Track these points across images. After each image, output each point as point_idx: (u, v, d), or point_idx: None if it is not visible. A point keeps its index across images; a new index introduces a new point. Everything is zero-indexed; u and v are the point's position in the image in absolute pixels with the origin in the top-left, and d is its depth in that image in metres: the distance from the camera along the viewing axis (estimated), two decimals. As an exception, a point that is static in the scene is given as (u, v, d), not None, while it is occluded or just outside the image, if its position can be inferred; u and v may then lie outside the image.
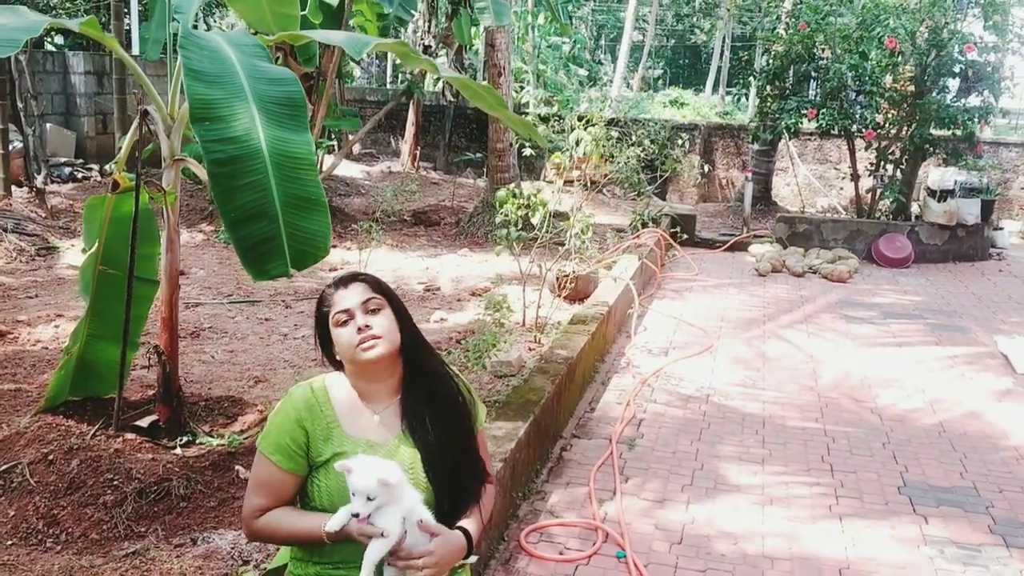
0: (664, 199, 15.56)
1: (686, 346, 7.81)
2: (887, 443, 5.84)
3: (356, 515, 2.40)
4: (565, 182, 7.84)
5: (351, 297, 2.58)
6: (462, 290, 8.66)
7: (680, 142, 8.10)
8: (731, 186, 16.50)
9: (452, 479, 2.64)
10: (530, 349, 6.37)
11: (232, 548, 3.57)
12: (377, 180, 15.51)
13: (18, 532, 3.71)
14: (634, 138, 7.62)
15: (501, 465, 4.25)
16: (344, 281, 2.62)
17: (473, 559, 2.68)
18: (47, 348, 6.19)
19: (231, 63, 3.39)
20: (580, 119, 6.83)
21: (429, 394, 2.71)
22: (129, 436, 4.34)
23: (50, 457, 4.02)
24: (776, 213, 14.14)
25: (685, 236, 11.95)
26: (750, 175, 13.40)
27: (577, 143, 6.87)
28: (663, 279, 10.36)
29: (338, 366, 2.68)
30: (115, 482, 3.90)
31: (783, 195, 16.07)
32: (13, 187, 11.44)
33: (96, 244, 4.47)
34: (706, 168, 9.70)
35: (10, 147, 11.42)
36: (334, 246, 10.44)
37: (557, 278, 7.88)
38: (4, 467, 4.05)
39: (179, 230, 4.28)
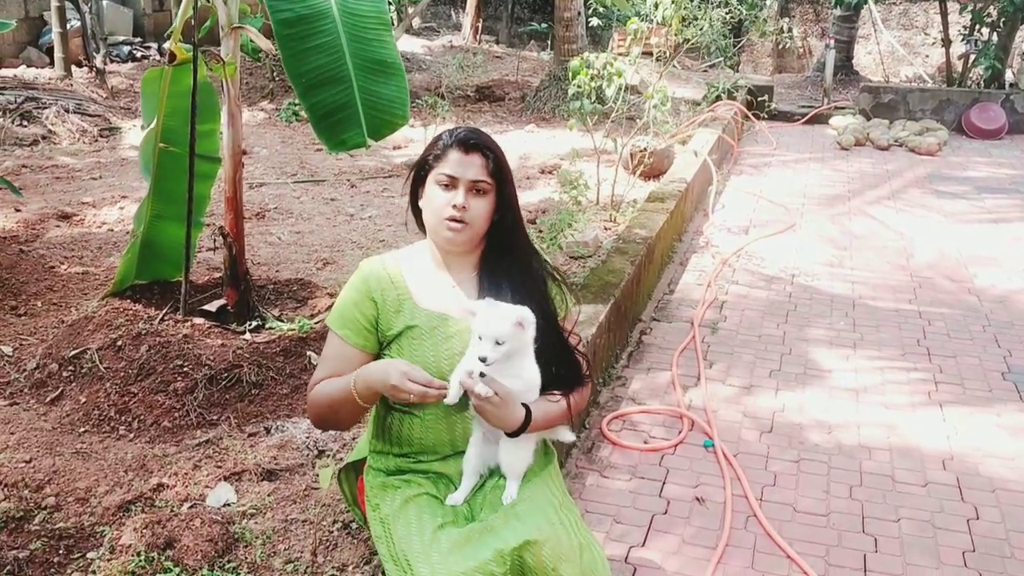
0: (736, 70, 14.86)
1: (767, 224, 7.44)
2: (987, 326, 5.49)
3: (484, 359, 2.21)
4: (642, 52, 7.37)
5: (465, 167, 2.35)
6: (530, 167, 8.34)
7: (767, 3, 7.54)
8: (808, 55, 15.69)
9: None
10: (606, 228, 6.08)
11: (307, 437, 3.44)
12: (439, 55, 15.02)
13: (90, 419, 3.62)
14: (719, -1, 7.08)
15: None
16: (468, 144, 2.36)
17: (571, 437, 2.52)
18: (112, 230, 6.08)
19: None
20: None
21: (512, 277, 2.49)
22: (198, 321, 4.20)
23: (119, 343, 3.91)
24: (858, 83, 13.43)
25: (764, 108, 11.36)
26: (831, 42, 12.65)
27: (656, 6, 6.39)
28: (740, 154, 9.89)
29: (417, 215, 2.49)
30: (185, 368, 3.78)
31: (864, 64, 15.23)
32: (73, 67, 11.28)
33: (155, 120, 4.24)
34: (795, 32, 9.06)
35: (68, 26, 11.19)
36: (398, 123, 10.19)
37: (632, 154, 7.50)
38: (74, 352, 3.95)
39: (240, 104, 4.02)
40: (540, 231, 5.45)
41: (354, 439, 3.42)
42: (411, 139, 9.13)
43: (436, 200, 2.37)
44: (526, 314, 2.25)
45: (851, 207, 8.02)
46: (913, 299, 5.90)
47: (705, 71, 14.31)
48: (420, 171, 2.45)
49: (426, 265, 2.52)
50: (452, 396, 2.26)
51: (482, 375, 2.24)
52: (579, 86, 6.47)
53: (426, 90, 11.89)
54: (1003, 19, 11.34)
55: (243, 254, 4.23)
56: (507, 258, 2.51)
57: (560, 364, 2.52)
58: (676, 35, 6.78)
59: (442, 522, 2.33)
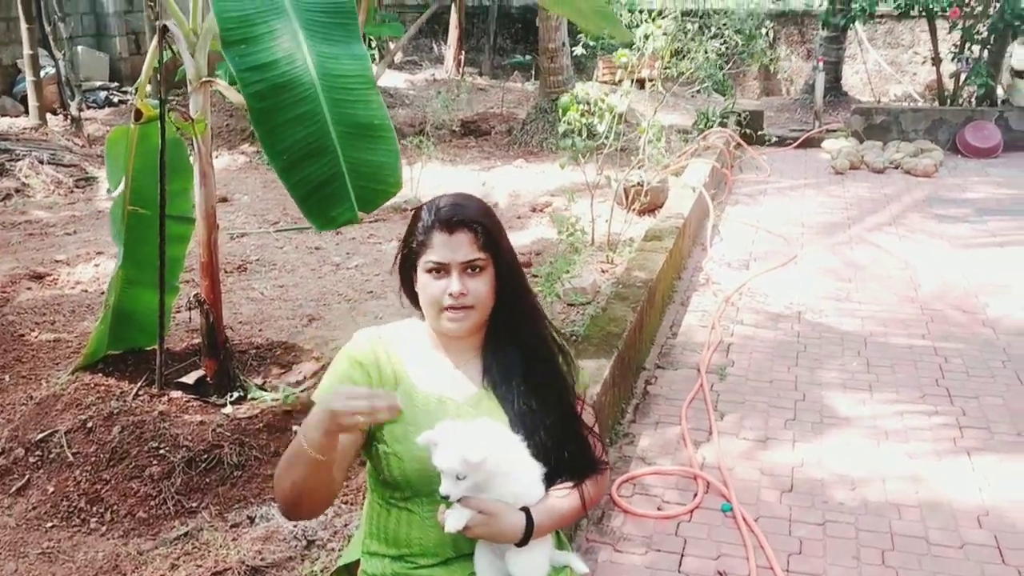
0: (725, 95, 14.70)
1: (767, 256, 7.20)
2: (1007, 361, 5.24)
3: (445, 497, 1.99)
4: (635, 82, 7.16)
5: (453, 249, 2.10)
6: (520, 205, 8.10)
7: (765, 31, 7.35)
8: (793, 79, 15.54)
9: (543, 454, 2.16)
10: (603, 271, 5.83)
11: (294, 527, 3.16)
12: (421, 89, 14.80)
13: (59, 512, 3.34)
14: (714, 29, 6.87)
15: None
16: (450, 224, 2.11)
17: (584, 569, 2.23)
18: (87, 291, 5.79)
19: (259, -35, 2.81)
20: (651, 12, 6.13)
21: (521, 357, 2.24)
22: (175, 394, 3.92)
23: (89, 424, 3.62)
24: (847, 104, 13.25)
25: (757, 134, 11.16)
26: (821, 64, 12.49)
27: (646, 38, 6.18)
28: (734, 182, 9.67)
29: (415, 302, 2.23)
30: (161, 451, 3.49)
31: (852, 84, 15.07)
32: (48, 115, 11.02)
33: (123, 182, 3.98)
34: (791, 58, 8.88)
35: (42, 73, 10.94)
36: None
37: (625, 190, 7.27)
38: (41, 435, 3.67)
39: (212, 161, 3.77)
40: (536, 277, 5.19)
41: (346, 527, 3.14)
42: (397, 179, 8.89)
43: (430, 290, 2.13)
44: (471, 455, 1.97)
45: (852, 235, 7.79)
46: (926, 334, 5.66)
47: (692, 96, 14.13)
48: (406, 259, 2.20)
49: (423, 345, 2.27)
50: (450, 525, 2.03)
51: (458, 499, 2.02)
52: (569, 123, 6.24)
53: (410, 126, 11.67)
54: (993, 36, 11.19)
55: (221, 321, 3.95)
56: (513, 335, 2.25)
57: (574, 449, 2.27)
58: (668, 67, 6.56)
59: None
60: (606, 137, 6.30)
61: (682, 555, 3.53)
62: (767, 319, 5.94)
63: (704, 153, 8.98)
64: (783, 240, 7.60)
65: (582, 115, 6.24)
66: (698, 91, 14.20)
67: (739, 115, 10.99)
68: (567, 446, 2.25)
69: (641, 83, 7.01)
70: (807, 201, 9.00)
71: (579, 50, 8.67)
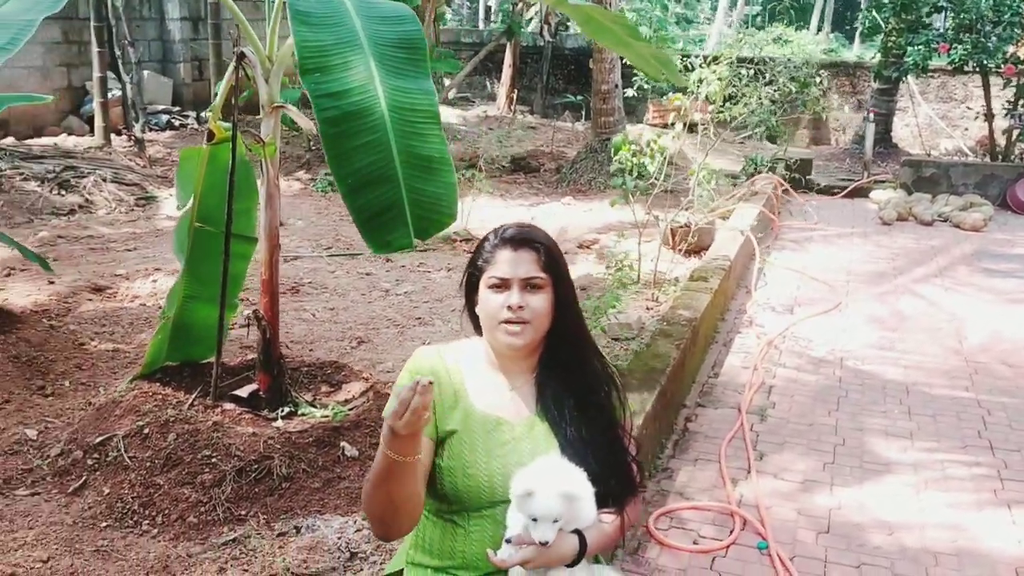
0: (774, 143, 14.76)
1: (812, 302, 7.22)
2: (1052, 417, 5.22)
3: (545, 543, 2.09)
4: (686, 126, 7.28)
5: (515, 266, 2.22)
6: (567, 241, 8.21)
7: (819, 80, 7.41)
8: (844, 128, 15.56)
9: (592, 478, 2.24)
10: (648, 308, 5.91)
11: (339, 538, 3.25)
12: (473, 125, 15.05)
13: (113, 512, 3.46)
14: (768, 76, 6.96)
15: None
16: (516, 242, 2.24)
17: None
18: (145, 304, 5.98)
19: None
20: (706, 58, 6.25)
21: (573, 385, 2.34)
22: (228, 407, 4.04)
23: (146, 430, 3.75)
24: (897, 156, 13.25)
25: (802, 180, 11.20)
26: (871, 115, 12.51)
27: (700, 82, 6.29)
28: (781, 228, 9.71)
29: (475, 323, 2.34)
30: (213, 459, 3.61)
31: (902, 136, 15.06)
32: (112, 135, 11.37)
33: (191, 199, 4.14)
34: (846, 108, 8.93)
35: (109, 95, 11.31)
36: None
37: (673, 230, 7.35)
38: (99, 439, 3.80)
39: (279, 183, 3.92)
40: (596, 311, 5.28)
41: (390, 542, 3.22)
42: (446, 211, 9.05)
43: (490, 304, 2.24)
44: (570, 488, 2.11)
45: (897, 285, 7.79)
46: (970, 385, 5.64)
47: (742, 142, 14.22)
48: (471, 277, 2.31)
49: (481, 365, 2.36)
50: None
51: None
52: (621, 162, 6.36)
53: (461, 161, 11.87)
54: (1047, 94, 11.18)
55: (277, 338, 4.09)
56: (569, 364, 2.35)
57: (616, 476, 2.35)
58: (721, 111, 6.66)
59: (478, 648, 2.14)
60: (656, 177, 6.40)
61: (717, 589, 3.56)
62: (809, 363, 5.96)
63: (752, 198, 9.03)
64: (828, 287, 7.62)
65: (633, 155, 6.35)
66: (748, 136, 14.32)
67: (788, 162, 11.04)
68: (613, 471, 2.33)
69: (692, 127, 7.12)
70: (853, 250, 9.00)
71: (631, 92, 8.83)
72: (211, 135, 3.96)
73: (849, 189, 11.68)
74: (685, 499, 4.24)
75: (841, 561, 3.77)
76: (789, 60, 6.85)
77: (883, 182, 11.83)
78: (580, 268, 7.20)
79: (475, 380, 2.34)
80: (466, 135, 14.05)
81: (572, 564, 2.21)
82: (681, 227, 7.35)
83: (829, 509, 4.18)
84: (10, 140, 10.92)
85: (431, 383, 1.89)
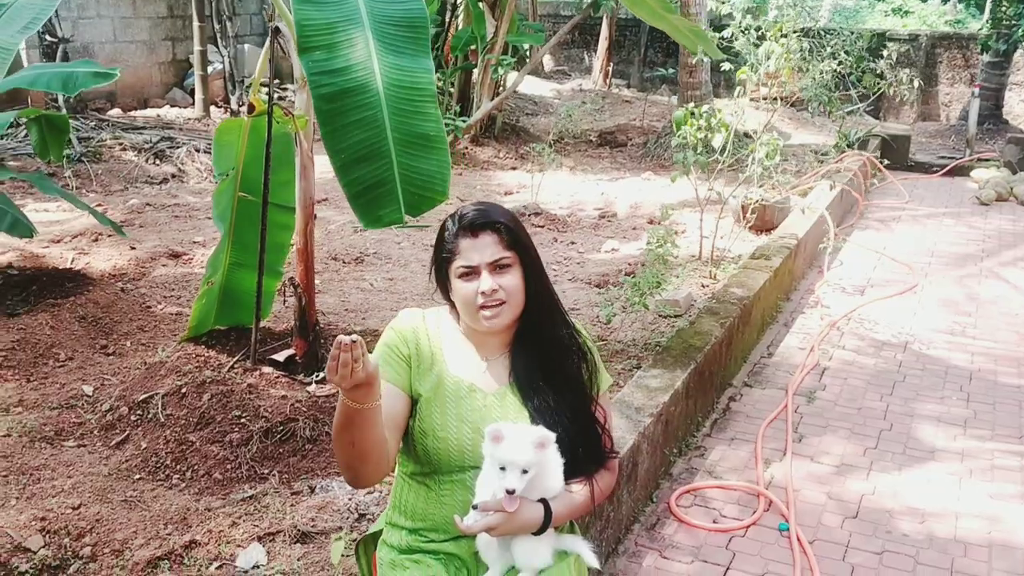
0: (878, 117, 14.27)
1: (886, 284, 7.01)
2: (1122, 410, 4.97)
3: (511, 491, 2.13)
4: (763, 99, 7.14)
5: (480, 251, 2.26)
6: (639, 216, 8.15)
7: (885, 54, 7.11)
8: (954, 103, 14.92)
9: (561, 447, 2.27)
10: (703, 286, 5.84)
11: (349, 499, 3.36)
12: (567, 98, 15.01)
13: (147, 466, 3.65)
14: (828, 50, 6.73)
15: (651, 420, 3.83)
16: (473, 227, 2.27)
17: (593, 562, 2.34)
18: (214, 271, 6.22)
19: (344, -25, 3.04)
20: (774, 29, 6.08)
21: (544, 356, 2.38)
22: (266, 370, 4.20)
23: (183, 390, 3.94)
24: (1007, 133, 12.64)
25: (895, 159, 10.81)
26: (977, 90, 11.97)
27: (768, 56, 6.15)
28: (866, 207, 9.42)
29: (454, 306, 2.39)
30: (243, 419, 3.77)
31: (1017, 113, 14.35)
32: (212, 107, 11.78)
33: (233, 169, 4.30)
34: (916, 83, 8.59)
35: (209, 68, 11.72)
36: (513, 168, 10.17)
37: (743, 206, 7.23)
38: (143, 397, 4.01)
39: (312, 156, 4.04)
40: (632, 287, 5.25)
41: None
42: (524, 185, 9.09)
43: (462, 291, 2.28)
44: (545, 434, 2.15)
45: (982, 268, 7.49)
46: (1039, 375, 5.42)
47: (843, 118, 13.80)
48: (439, 268, 2.35)
49: (458, 336, 2.43)
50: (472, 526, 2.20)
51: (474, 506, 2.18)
52: (684, 137, 6.28)
53: (548, 134, 11.89)
54: None
55: (313, 305, 4.22)
56: (540, 336, 2.39)
57: (584, 444, 2.38)
58: (785, 85, 6.49)
59: (446, 609, 2.21)
60: (721, 153, 6.30)
61: (728, 568, 3.54)
62: (870, 346, 5.81)
63: (837, 176, 8.78)
64: (907, 269, 7.38)
65: (698, 130, 6.26)
66: (849, 112, 13.89)
67: (884, 138, 10.67)
68: (582, 440, 2.37)
69: (794, 102, 6.92)
70: (943, 231, 8.67)
71: (727, 65, 8.66)
72: (251, 108, 4.11)
73: (948, 167, 11.23)
74: (713, 478, 4.21)
75: (864, 547, 3.71)
76: (840, 32, 6.59)
77: (987, 160, 11.33)
78: (644, 243, 7.14)
79: (452, 348, 2.40)
80: (558, 108, 14.04)
81: (537, 533, 2.25)
82: (753, 204, 7.22)
83: (861, 494, 4.09)
84: (117, 112, 11.44)
85: (355, 341, 1.95)
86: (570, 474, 2.34)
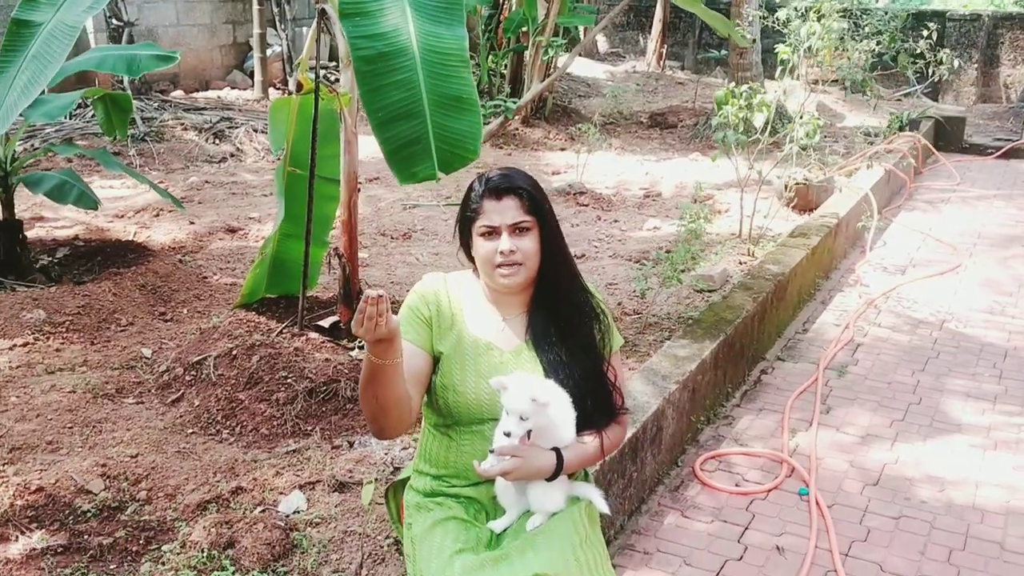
0: (936, 99, 14.10)
1: (929, 264, 7.04)
2: None
3: (507, 434, 2.32)
4: (811, 81, 7.17)
5: (502, 213, 2.43)
6: (684, 196, 8.23)
7: (925, 34, 7.06)
8: (1016, 84, 14.67)
9: (572, 401, 2.45)
10: (740, 263, 5.95)
11: (386, 454, 3.58)
12: (620, 80, 15.06)
13: (200, 421, 3.91)
14: (866, 29, 6.74)
15: (676, 387, 3.99)
16: (498, 191, 2.44)
17: (604, 508, 2.51)
18: (268, 245, 6.49)
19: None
20: (814, 8, 6.14)
21: (560, 316, 2.56)
22: (312, 336, 4.44)
23: (234, 352, 4.19)
24: (1066, 115, 12.43)
25: (949, 141, 10.72)
26: (1035, 71, 11.77)
27: (809, 36, 6.20)
28: (915, 189, 9.39)
29: (474, 263, 2.56)
30: (289, 380, 4.01)
31: (1080, 94, 14.05)
32: (270, 89, 12.09)
33: (284, 146, 4.53)
34: (956, 63, 8.52)
35: (268, 51, 12.02)
36: (563, 149, 10.31)
37: (786, 186, 7.30)
38: (197, 358, 4.27)
39: (356, 131, 4.25)
40: (652, 262, 5.40)
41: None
42: (571, 165, 9.22)
43: (483, 251, 2.45)
44: (540, 393, 2.30)
45: (1029, 249, 7.46)
46: (1076, 353, 5.44)
47: (899, 100, 13.67)
48: (463, 226, 2.53)
49: (478, 297, 2.60)
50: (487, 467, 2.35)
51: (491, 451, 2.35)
52: (724, 117, 6.38)
53: (600, 115, 12.00)
54: None
55: (356, 274, 4.44)
56: (556, 299, 2.56)
57: (596, 399, 2.55)
58: (823, 66, 6.54)
59: (462, 547, 2.39)
60: (761, 133, 6.39)
61: (746, 528, 3.69)
62: (907, 324, 5.87)
63: (884, 156, 8.77)
64: (951, 249, 7.38)
65: (739, 110, 6.35)
66: (906, 94, 13.75)
67: (936, 120, 10.58)
68: (592, 396, 2.54)
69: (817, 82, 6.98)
70: (992, 213, 8.63)
71: (780, 47, 8.70)
72: (299, 86, 4.33)
73: (1004, 149, 11.09)
74: (739, 445, 4.35)
75: (882, 512, 3.82)
76: (885, 13, 6.58)
77: (1044, 142, 11.17)
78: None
79: (472, 309, 2.59)
80: (610, 90, 14.12)
81: (550, 479, 2.43)
82: (796, 184, 7.28)
83: (884, 463, 4.20)
84: (179, 93, 11.81)
85: (381, 296, 2.13)
86: (581, 427, 2.51)
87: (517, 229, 2.44)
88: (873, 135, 9.87)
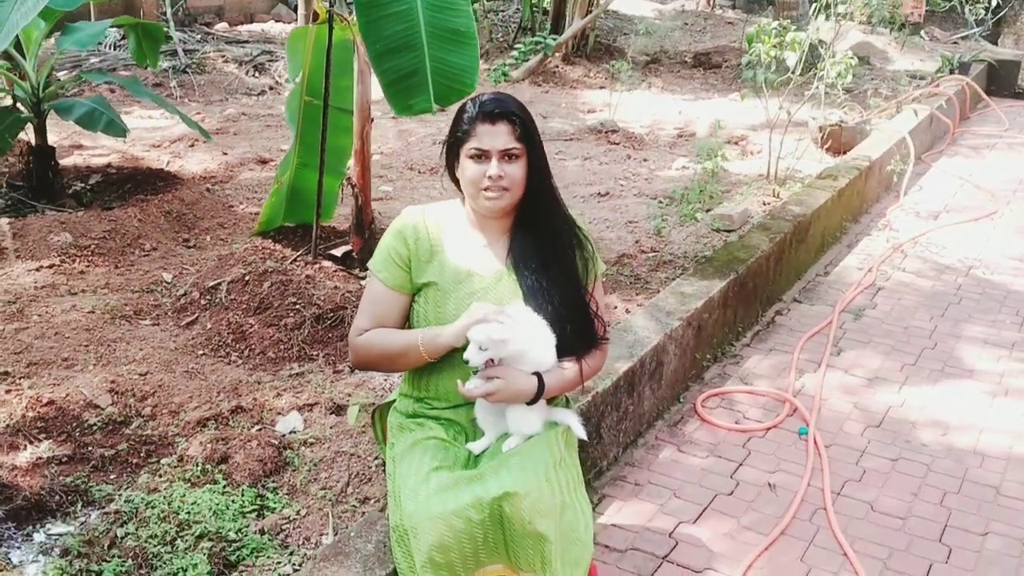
0: (996, 43, 13.66)
1: (964, 210, 6.90)
2: None
3: (466, 361, 2.40)
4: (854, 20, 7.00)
5: (493, 137, 2.46)
6: (718, 137, 8.13)
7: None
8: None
9: (551, 325, 2.50)
10: (764, 204, 5.88)
11: (385, 379, 3.65)
12: (669, 18, 14.81)
13: (211, 344, 4.01)
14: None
15: (680, 324, 4.00)
16: (492, 116, 2.46)
17: (581, 433, 2.56)
18: (296, 176, 6.56)
19: None
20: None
21: (541, 242, 2.59)
22: (325, 264, 4.51)
23: (247, 278, 4.28)
24: None
25: (1001, 86, 10.41)
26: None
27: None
28: (960, 134, 9.16)
29: (458, 183, 2.60)
30: (297, 306, 4.09)
31: None
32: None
33: (300, 74, 4.57)
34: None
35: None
36: (602, 87, 10.20)
37: (820, 128, 7.18)
38: (213, 283, 4.37)
39: (369, 62, 4.26)
40: (668, 201, 5.37)
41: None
42: (608, 103, 9.12)
43: (471, 172, 2.48)
44: (481, 337, 2.36)
45: (1071, 198, 7.27)
46: (1104, 303, 5.33)
47: (955, 43, 13.26)
48: (452, 146, 2.55)
49: (460, 223, 2.64)
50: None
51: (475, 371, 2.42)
52: (756, 55, 6.26)
53: (644, 55, 11.84)
54: None
55: (368, 204, 4.49)
56: (538, 224, 2.59)
57: (576, 325, 2.58)
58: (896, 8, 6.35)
59: (439, 465, 2.47)
60: (793, 72, 6.27)
61: (741, 464, 3.72)
62: (932, 269, 5.79)
63: (927, 99, 8.56)
64: (989, 195, 7.23)
65: (771, 48, 6.23)
66: (963, 37, 13.34)
67: (989, 64, 10.28)
68: (570, 321, 2.58)
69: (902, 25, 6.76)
70: (1038, 160, 8.41)
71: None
72: (315, 16, 4.34)
73: (1060, 95, 10.76)
74: (745, 384, 4.36)
75: (880, 453, 3.83)
76: None
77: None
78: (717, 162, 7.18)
79: (452, 237, 2.63)
80: (657, 29, 13.88)
81: (531, 402, 2.49)
82: (831, 126, 7.15)
83: (888, 406, 4.19)
84: (223, 26, 11.88)
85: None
86: (562, 352, 2.55)
87: (507, 155, 2.46)
88: (919, 78, 9.63)
